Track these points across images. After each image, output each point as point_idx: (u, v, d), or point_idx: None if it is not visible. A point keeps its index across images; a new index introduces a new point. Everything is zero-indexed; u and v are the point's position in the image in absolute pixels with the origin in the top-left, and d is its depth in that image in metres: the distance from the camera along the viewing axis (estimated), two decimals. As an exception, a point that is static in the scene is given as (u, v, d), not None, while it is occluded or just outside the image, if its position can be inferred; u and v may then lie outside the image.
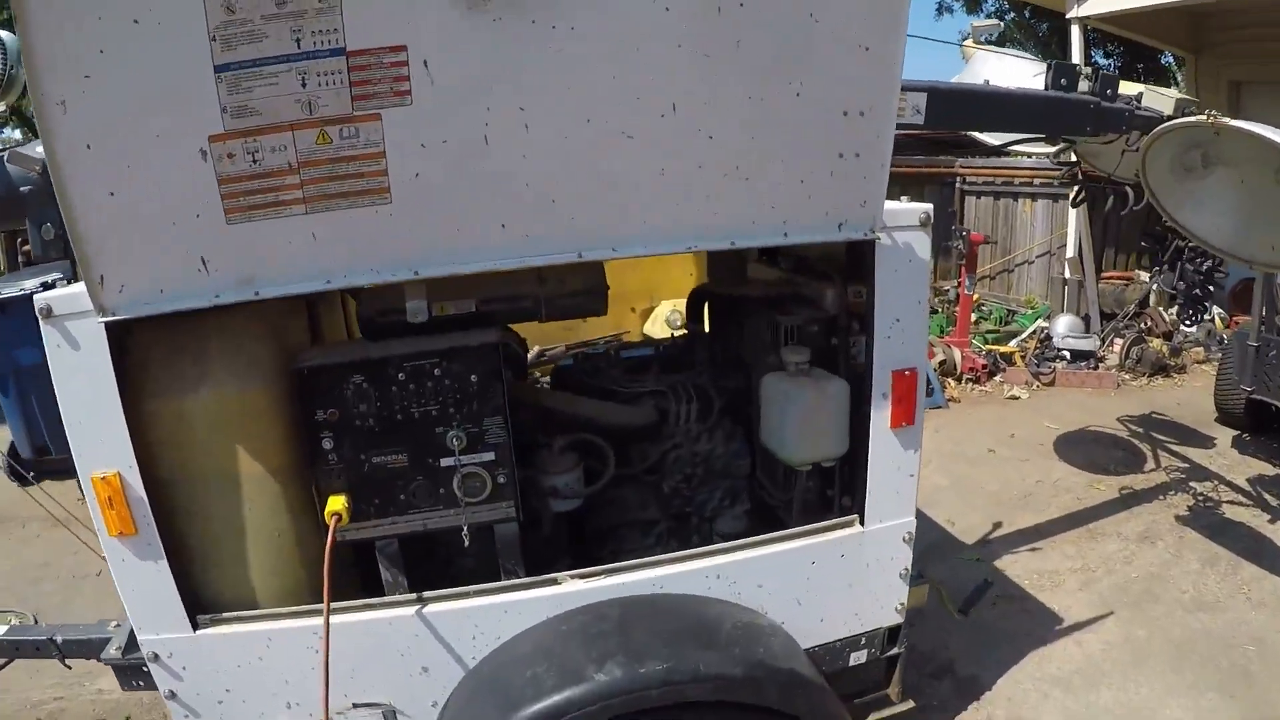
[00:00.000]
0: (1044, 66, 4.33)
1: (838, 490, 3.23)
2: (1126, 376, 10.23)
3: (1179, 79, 17.08)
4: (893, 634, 3.27)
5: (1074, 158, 5.38)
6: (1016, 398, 9.62)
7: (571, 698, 2.43)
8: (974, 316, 12.28)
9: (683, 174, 2.43)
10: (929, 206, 2.83)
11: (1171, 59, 18.75)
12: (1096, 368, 10.30)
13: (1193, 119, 3.98)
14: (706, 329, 4.03)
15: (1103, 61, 20.72)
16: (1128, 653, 4.81)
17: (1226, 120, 3.86)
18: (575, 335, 4.89)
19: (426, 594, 2.72)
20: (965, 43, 5.74)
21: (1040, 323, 11.61)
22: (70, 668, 3.82)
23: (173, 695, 2.67)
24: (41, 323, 2.30)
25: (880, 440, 2.96)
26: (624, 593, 2.81)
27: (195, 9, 1.97)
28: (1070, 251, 11.75)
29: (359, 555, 2.90)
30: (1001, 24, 6.06)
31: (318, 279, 2.34)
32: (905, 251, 2.77)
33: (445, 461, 2.69)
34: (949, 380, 9.84)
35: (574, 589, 2.79)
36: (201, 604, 2.62)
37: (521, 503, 2.85)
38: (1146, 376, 10.22)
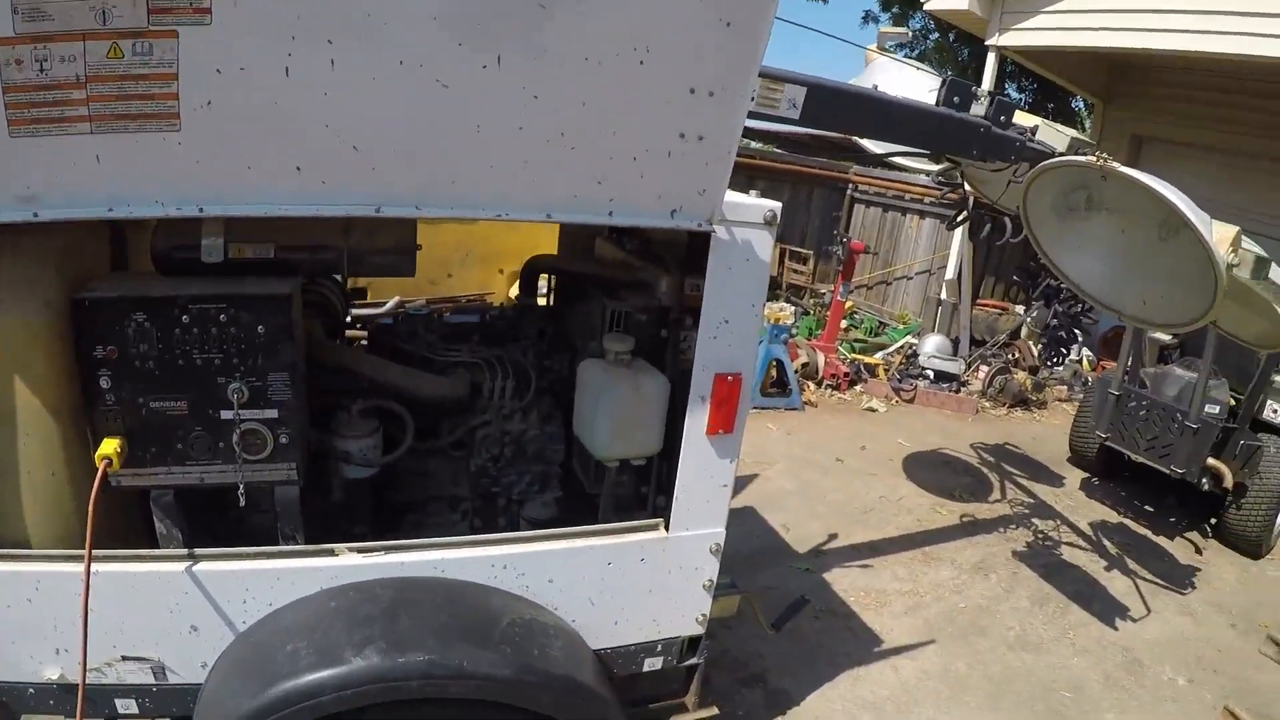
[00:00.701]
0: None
1: (653, 491, 3.11)
2: (987, 404, 10.41)
3: (1086, 125, 17.53)
4: (693, 643, 3.16)
5: (958, 179, 5.34)
6: (874, 410, 9.68)
7: (325, 680, 2.34)
8: (845, 324, 12.40)
9: (500, 134, 2.21)
10: (775, 204, 2.67)
11: (1082, 104, 19.19)
12: (958, 391, 10.43)
13: (1082, 159, 3.93)
14: (541, 303, 3.85)
15: (1014, 95, 21.18)
16: (945, 684, 4.80)
17: (1116, 165, 3.81)
18: (440, 290, 4.79)
19: (198, 551, 2.56)
20: (869, 48, 5.63)
21: (909, 339, 11.76)
22: None
23: None
24: None
25: (694, 445, 2.81)
26: (405, 572, 2.67)
27: None
28: (950, 273, 11.91)
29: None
30: (910, 33, 6.01)
31: (100, 205, 2.14)
32: (743, 249, 2.61)
33: (226, 414, 2.51)
34: (809, 384, 9.86)
35: (351, 563, 2.64)
36: None
37: (312, 466, 2.73)
38: (1007, 407, 10.41)
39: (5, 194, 2.08)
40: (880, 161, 6.52)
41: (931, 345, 10.96)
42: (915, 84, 4.55)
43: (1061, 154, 4.14)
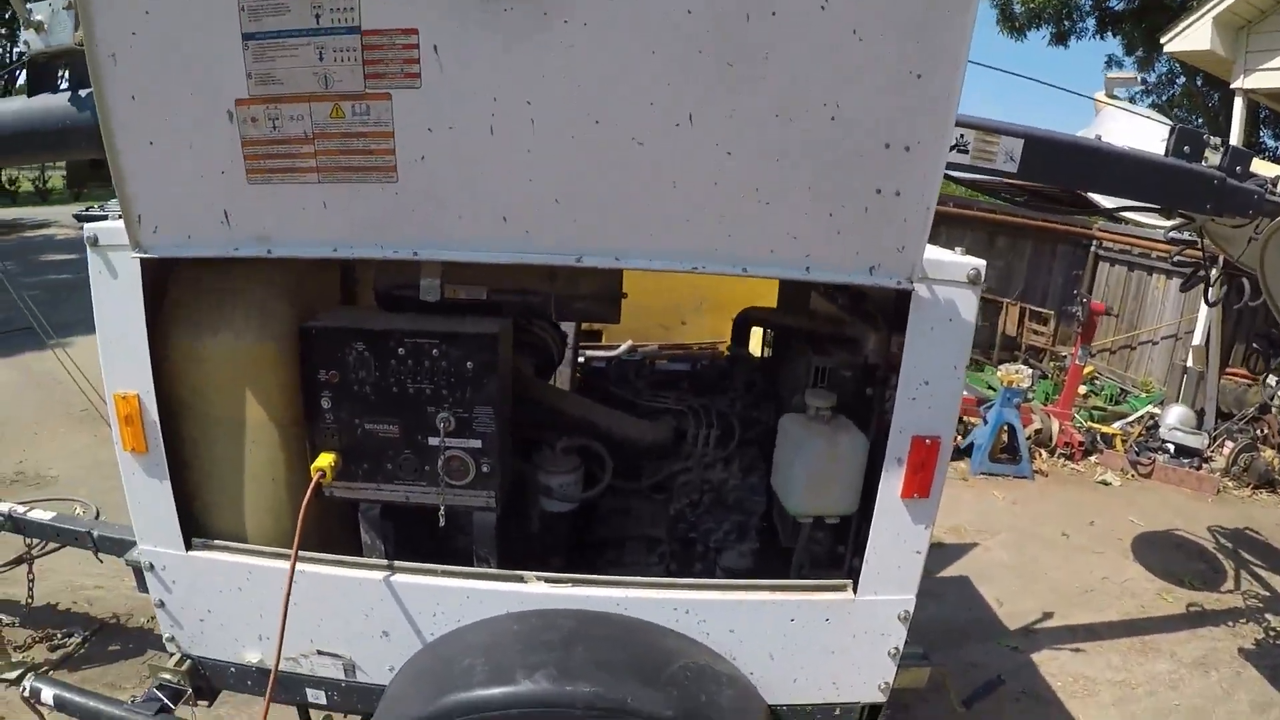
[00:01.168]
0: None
1: (849, 551, 3.04)
2: (1230, 484, 9.69)
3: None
4: (873, 710, 3.06)
5: (1194, 236, 5.00)
6: (1107, 483, 9.22)
7: (492, 697, 2.46)
8: (1084, 390, 11.81)
9: (695, 189, 2.27)
10: (980, 262, 2.57)
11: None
12: (1200, 468, 9.75)
13: None
14: (755, 354, 3.87)
15: (1270, 144, 19.78)
16: None
17: None
18: (672, 336, 4.95)
19: (398, 563, 2.77)
20: (1097, 96, 5.37)
21: (1150, 408, 11.09)
22: (101, 560, 4.29)
23: (161, 605, 2.86)
24: (88, 250, 2.49)
25: (887, 508, 2.73)
26: (589, 606, 2.75)
27: None
28: (1197, 339, 11.16)
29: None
30: (1139, 78, 5.63)
31: (325, 246, 2.42)
32: (946, 308, 2.53)
33: (433, 441, 2.69)
34: (1041, 451, 9.44)
35: (538, 591, 2.76)
36: (198, 528, 2.79)
37: (516, 497, 2.91)
38: (1251, 488, 9.66)
39: (244, 233, 2.39)
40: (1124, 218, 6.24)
41: (1174, 417, 10.26)
42: (1146, 133, 4.30)
43: None
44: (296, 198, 2.32)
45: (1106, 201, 4.59)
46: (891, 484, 2.69)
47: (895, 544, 2.78)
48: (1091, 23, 21.01)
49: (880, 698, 3.01)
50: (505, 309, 2.86)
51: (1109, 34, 20.97)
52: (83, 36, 2.19)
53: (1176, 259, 6.17)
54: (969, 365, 8.89)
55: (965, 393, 9.49)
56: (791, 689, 2.92)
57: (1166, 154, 3.80)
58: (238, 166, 2.29)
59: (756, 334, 4.01)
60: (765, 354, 4.02)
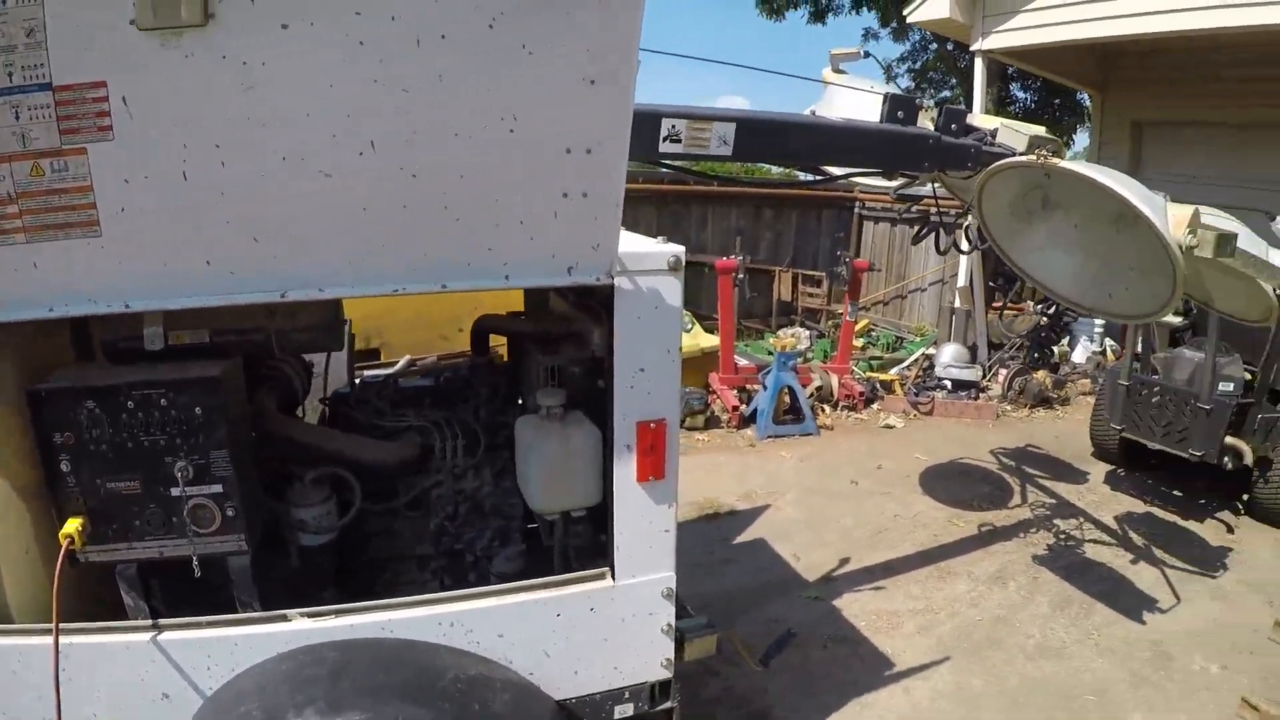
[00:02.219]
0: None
1: (610, 540, 3.13)
2: (1008, 408, 10.33)
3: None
4: (663, 687, 3.16)
5: (925, 193, 5.30)
6: (892, 427, 9.62)
7: None
8: (862, 342, 12.36)
9: (386, 213, 2.32)
10: (679, 249, 2.70)
11: (1086, 97, 19.03)
12: (977, 398, 10.36)
13: (1023, 159, 3.88)
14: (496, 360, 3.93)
15: (1020, 96, 20.97)
16: (959, 703, 4.69)
17: (1057, 162, 3.74)
18: (451, 344, 4.91)
19: (162, 621, 2.70)
20: (824, 71, 5.62)
21: (925, 351, 11.71)
22: None
23: None
24: None
25: (626, 494, 2.84)
26: (356, 634, 2.75)
27: None
28: (961, 281, 11.84)
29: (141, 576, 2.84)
30: (862, 52, 5.91)
31: (40, 307, 2.37)
32: (650, 297, 2.65)
33: (175, 491, 2.63)
34: (824, 407, 9.80)
35: (304, 627, 2.74)
36: None
37: (273, 536, 2.90)
38: (1029, 408, 10.33)
39: None
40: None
41: (948, 355, 10.92)
42: (869, 104, 4.53)
43: (1019, 154, 4.07)
44: (8, 260, 2.27)
45: (835, 170, 4.81)
46: (625, 470, 2.81)
47: (642, 526, 2.89)
48: (847, -1, 21.75)
49: (665, 674, 3.12)
50: (230, 349, 2.82)
51: (864, 8, 21.74)
52: None
53: (904, 214, 6.53)
54: (753, 335, 9.15)
55: (745, 361, 9.80)
56: (575, 682, 3.00)
57: (882, 121, 4.03)
58: None
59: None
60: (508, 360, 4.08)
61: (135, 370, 2.64)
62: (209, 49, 2.09)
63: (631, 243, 2.70)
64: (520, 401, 3.51)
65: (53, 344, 2.88)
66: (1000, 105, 15.70)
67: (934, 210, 5.27)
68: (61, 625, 2.43)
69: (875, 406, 10.15)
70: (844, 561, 6.33)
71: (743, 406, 9.29)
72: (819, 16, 21.74)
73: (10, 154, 2.16)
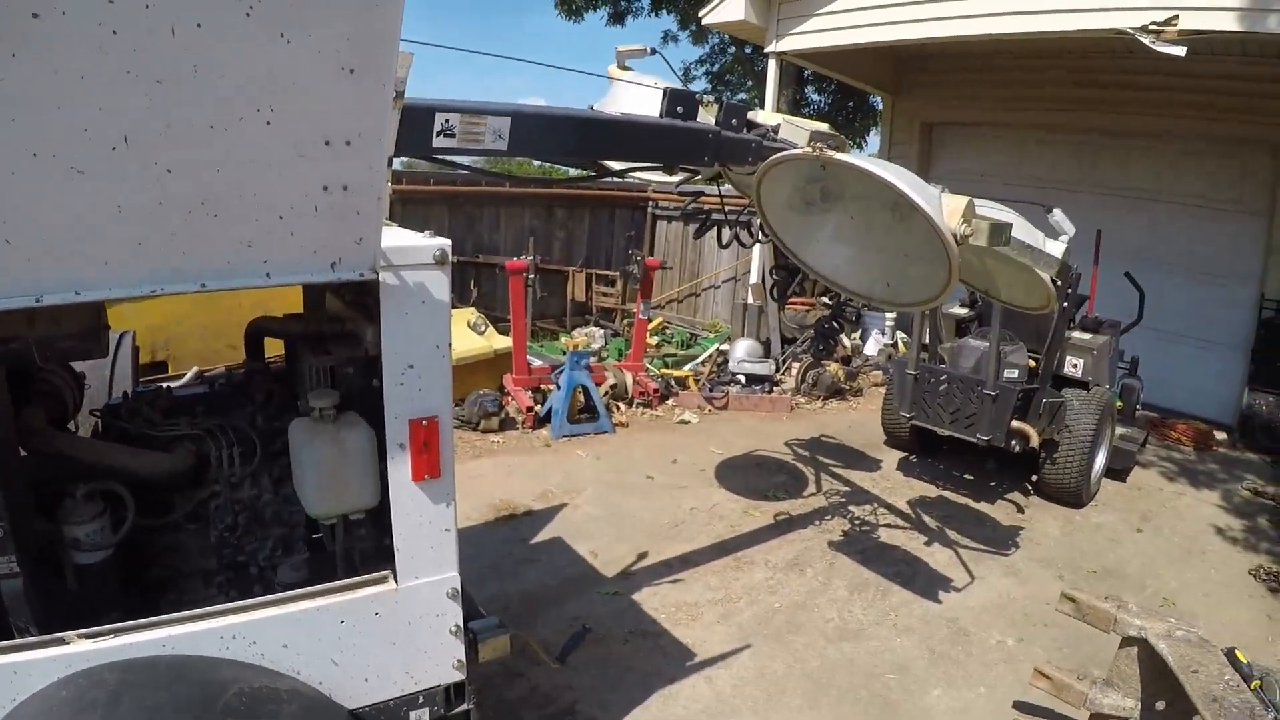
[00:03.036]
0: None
1: (391, 542, 3.08)
2: (802, 400, 10.65)
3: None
4: (458, 689, 3.14)
5: (709, 188, 5.40)
6: (687, 422, 9.75)
7: None
8: (655, 340, 12.54)
9: (141, 212, 2.20)
10: (445, 242, 2.68)
11: (879, 100, 19.95)
12: (771, 391, 10.62)
13: (797, 152, 3.96)
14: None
15: (815, 98, 21.77)
16: (761, 688, 4.77)
17: (832, 154, 3.83)
18: (240, 354, 4.64)
19: None
20: (610, 69, 5.66)
21: (718, 346, 11.97)
22: None
23: None
24: None
25: (403, 494, 2.81)
26: (137, 653, 2.62)
27: None
28: (754, 277, 12.13)
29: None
30: (649, 49, 6.02)
31: None
32: (417, 292, 2.63)
33: None
34: (619, 405, 9.88)
35: (83, 649, 2.57)
36: None
37: (49, 556, 2.78)
38: (822, 400, 10.68)
39: None
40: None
41: (741, 350, 11.15)
42: (653, 100, 4.59)
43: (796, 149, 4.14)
44: None
45: (616, 164, 4.85)
46: (400, 470, 2.77)
47: (422, 527, 2.86)
48: (646, 1, 22.05)
49: (458, 676, 3.10)
50: (-11, 359, 2.67)
51: (664, 11, 22.07)
52: None
53: (688, 208, 6.64)
54: (547, 336, 9.12)
55: (539, 362, 9.79)
56: (366, 689, 2.94)
57: (661, 115, 4.07)
58: None
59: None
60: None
61: None
62: None
63: (397, 237, 2.68)
64: (297, 406, 3.39)
65: None
66: (795, 107, 16.24)
67: (717, 207, 5.38)
68: None
69: (670, 403, 10.25)
70: (642, 556, 6.38)
71: (538, 407, 9.26)
72: (618, 18, 21.99)
73: None
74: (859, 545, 6.70)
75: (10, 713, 2.51)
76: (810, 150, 3.83)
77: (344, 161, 2.29)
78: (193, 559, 3.25)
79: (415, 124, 3.16)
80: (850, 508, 7.46)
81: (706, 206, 5.99)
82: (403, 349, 2.67)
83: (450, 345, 2.79)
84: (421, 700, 3.06)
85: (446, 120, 3.37)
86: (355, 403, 2.98)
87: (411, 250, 2.61)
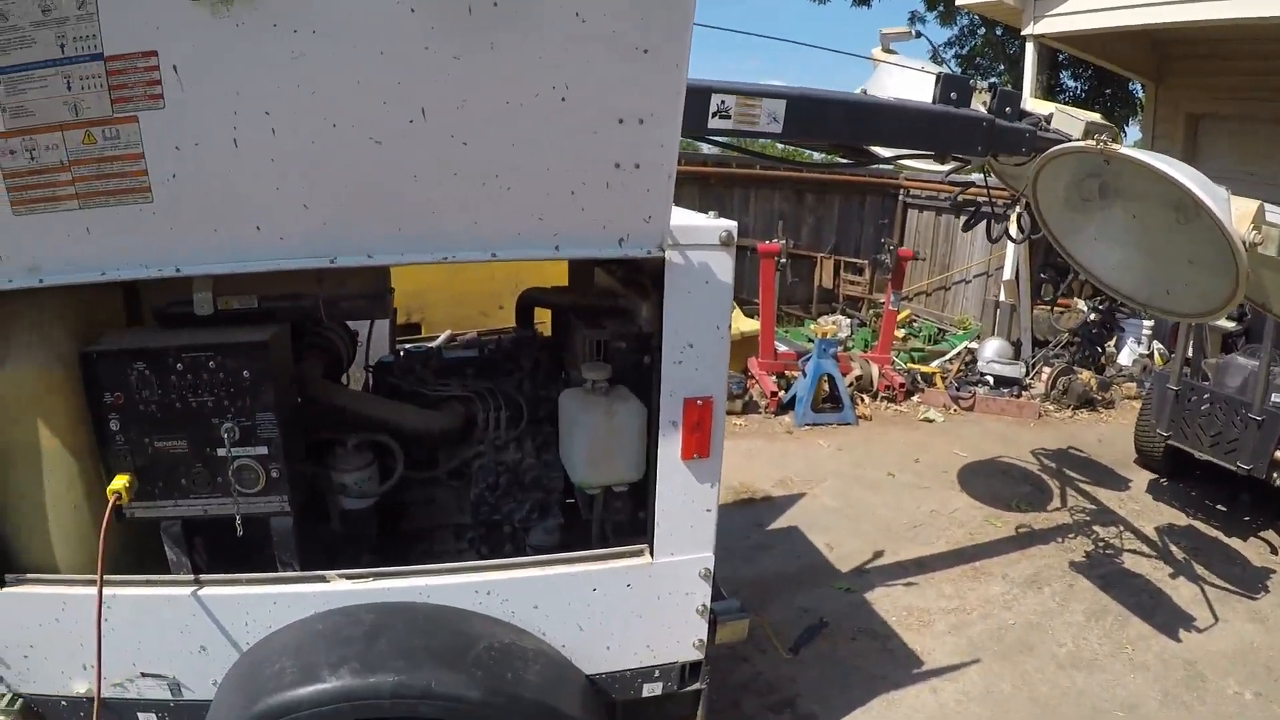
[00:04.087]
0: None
1: (649, 517, 3.13)
2: (1050, 408, 10.16)
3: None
4: (693, 668, 3.16)
5: (976, 178, 5.21)
6: (931, 420, 9.51)
7: (301, 697, 2.50)
8: (903, 333, 12.23)
9: (436, 181, 2.32)
10: (731, 224, 2.67)
11: (1139, 88, 18.65)
12: (1019, 396, 10.21)
13: (1081, 144, 3.75)
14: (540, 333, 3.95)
15: (1070, 84, 20.63)
16: (986, 707, 4.61)
17: (1117, 148, 3.61)
18: (491, 321, 4.93)
19: (203, 576, 2.77)
20: (874, 52, 5.53)
21: (967, 344, 11.56)
22: None
23: None
24: None
25: (670, 471, 2.83)
26: (392, 598, 2.80)
27: None
28: (1007, 274, 11.63)
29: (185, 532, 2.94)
30: (913, 31, 5.74)
31: (94, 270, 2.42)
32: (701, 271, 2.63)
33: (221, 452, 2.72)
34: (863, 397, 9.73)
35: (341, 589, 2.79)
36: (9, 564, 2.74)
37: (315, 498, 2.98)
38: (1071, 409, 10.13)
39: (15, 264, 2.38)
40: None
41: (990, 350, 10.74)
42: (920, 84, 4.45)
43: (1076, 141, 3.92)
44: (61, 225, 2.32)
45: (884, 151, 4.73)
46: (670, 447, 2.79)
47: (684, 505, 2.88)
48: (894, -20, 21.50)
49: (696, 655, 3.12)
50: (278, 315, 2.88)
51: (911, -10, 21.50)
52: None
53: (958, 199, 6.40)
54: (792, 322, 9.09)
55: (785, 347, 9.73)
56: (606, 657, 3.01)
57: (934, 102, 3.94)
58: (2, 199, 2.28)
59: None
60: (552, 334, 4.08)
61: (185, 334, 2.72)
62: (259, 18, 2.10)
63: (683, 217, 2.69)
64: (564, 375, 3.50)
65: (104, 307, 2.96)
66: (1050, 93, 15.40)
67: (985, 198, 5.17)
68: (106, 577, 2.50)
69: (915, 399, 10.02)
70: (878, 554, 6.27)
71: (781, 393, 9.23)
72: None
73: (62, 123, 2.21)
74: (1101, 568, 6.33)
75: (266, 638, 2.74)
76: (1094, 144, 3.63)
77: (636, 139, 2.33)
78: (449, 513, 3.42)
79: (692, 104, 3.17)
80: (1095, 527, 7.05)
81: (973, 198, 5.75)
82: (683, 328, 2.69)
83: (729, 327, 2.79)
84: (657, 674, 3.10)
85: (722, 101, 3.38)
86: (624, 377, 3.03)
87: (698, 230, 2.61)
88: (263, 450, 2.71)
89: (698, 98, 3.30)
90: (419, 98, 2.21)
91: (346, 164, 2.28)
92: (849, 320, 12.71)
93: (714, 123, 3.36)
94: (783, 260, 9.60)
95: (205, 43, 2.13)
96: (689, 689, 3.19)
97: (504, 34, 2.16)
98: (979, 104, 4.05)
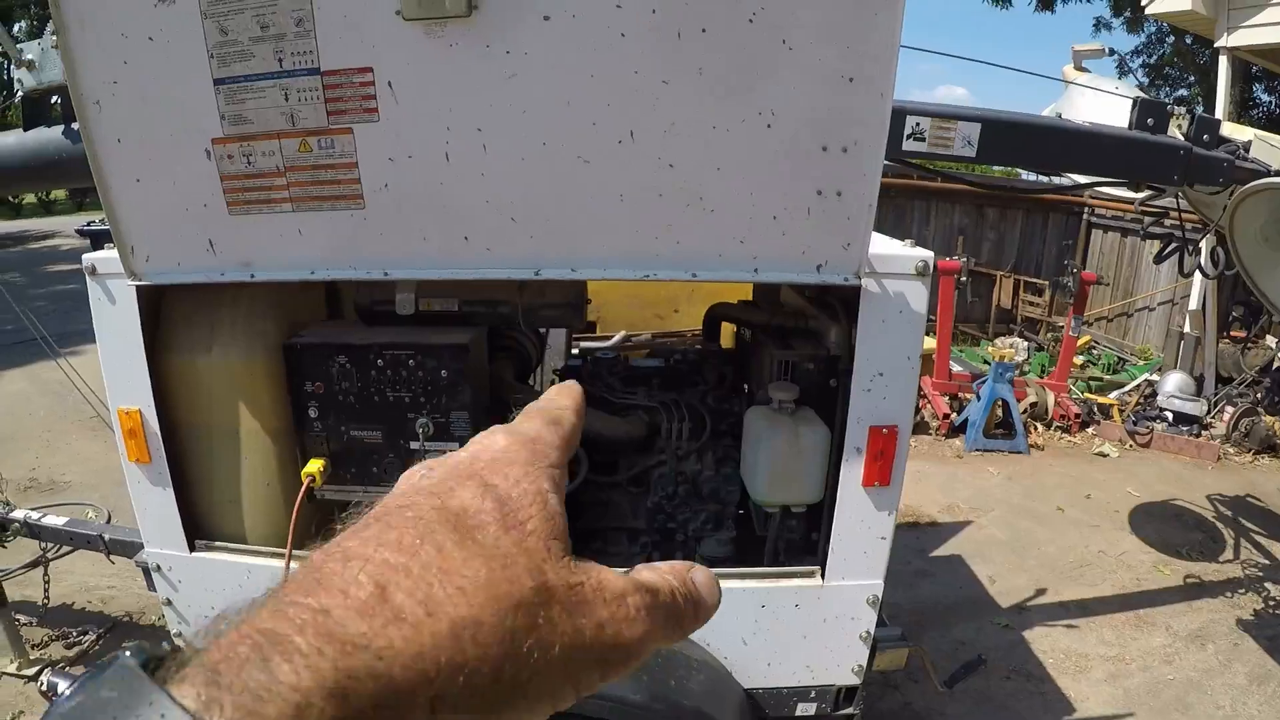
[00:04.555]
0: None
1: (822, 538, 3.13)
2: (1230, 450, 9.62)
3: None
4: (849, 693, 3.15)
5: (1171, 207, 4.99)
6: (1105, 455, 9.17)
7: None
8: (1080, 360, 11.80)
9: (641, 202, 2.37)
10: (928, 254, 2.64)
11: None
12: (1199, 435, 9.73)
13: None
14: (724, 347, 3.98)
15: (1264, 99, 19.54)
16: None
17: None
18: (666, 324, 4.98)
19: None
20: (1065, 69, 5.39)
21: (1148, 376, 11.09)
22: (113, 562, 4.47)
23: (169, 603, 3.08)
24: (88, 278, 2.70)
25: (849, 496, 2.82)
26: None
27: (196, 31, 2.24)
28: (1193, 304, 11.08)
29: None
30: (1106, 49, 5.44)
31: (303, 269, 2.57)
32: (896, 301, 2.61)
33: (414, 445, 2.86)
34: (1037, 425, 9.45)
35: None
36: (200, 531, 3.00)
37: None
38: (1253, 453, 9.58)
39: (228, 260, 2.56)
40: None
41: (1172, 384, 10.23)
42: (1113, 107, 4.31)
43: (1276, 172, 3.79)
44: (274, 226, 2.47)
45: (1078, 177, 4.61)
46: (852, 473, 2.78)
47: (859, 531, 2.87)
48: (1077, -15, 20.78)
49: (854, 680, 3.10)
50: (477, 319, 3.01)
51: (1094, -5, 20.79)
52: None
53: (1149, 229, 6.15)
54: (968, 341, 8.93)
55: (960, 368, 9.53)
56: (766, 673, 3.03)
57: (1130, 127, 3.82)
58: (219, 200, 2.44)
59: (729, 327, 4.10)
60: (735, 348, 4.10)
61: (388, 332, 2.89)
62: (472, 39, 2.19)
63: (879, 244, 2.68)
64: (746, 390, 3.52)
65: (306, 302, 3.19)
66: (1242, 108, 14.61)
67: (1178, 226, 4.97)
68: (293, 552, 2.72)
69: (1090, 430, 9.71)
70: (1040, 592, 6.11)
71: (953, 415, 9.07)
72: (1047, 4, 20.92)
73: (280, 131, 2.34)
74: (1270, 629, 5.98)
75: None
76: (1302, 179, 3.47)
77: (839, 167, 2.33)
78: (624, 517, 3.47)
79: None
80: (1267, 585, 6.67)
81: (1167, 228, 5.52)
82: (875, 356, 2.68)
83: (918, 357, 2.78)
84: (813, 695, 3.11)
85: (918, 124, 3.36)
86: (809, 398, 3.03)
87: (895, 259, 2.60)
88: (455, 446, 2.76)
89: (893, 120, 3.27)
90: (628, 120, 2.27)
91: (555, 181, 2.36)
92: (1026, 344, 12.35)
93: (909, 145, 3.35)
94: (962, 279, 9.42)
95: (419, 61, 2.23)
96: (841, 713, 3.18)
97: (712, 59, 2.20)
98: (1175, 129, 3.91)
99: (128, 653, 0.41)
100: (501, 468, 0.57)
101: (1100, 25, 21.63)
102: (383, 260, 2.53)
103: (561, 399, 0.69)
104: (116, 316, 2.70)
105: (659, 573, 0.62)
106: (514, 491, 0.55)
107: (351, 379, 2.82)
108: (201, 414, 2.89)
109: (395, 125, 2.30)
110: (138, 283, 2.61)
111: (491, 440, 0.61)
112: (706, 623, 0.64)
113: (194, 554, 2.96)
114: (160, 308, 2.83)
